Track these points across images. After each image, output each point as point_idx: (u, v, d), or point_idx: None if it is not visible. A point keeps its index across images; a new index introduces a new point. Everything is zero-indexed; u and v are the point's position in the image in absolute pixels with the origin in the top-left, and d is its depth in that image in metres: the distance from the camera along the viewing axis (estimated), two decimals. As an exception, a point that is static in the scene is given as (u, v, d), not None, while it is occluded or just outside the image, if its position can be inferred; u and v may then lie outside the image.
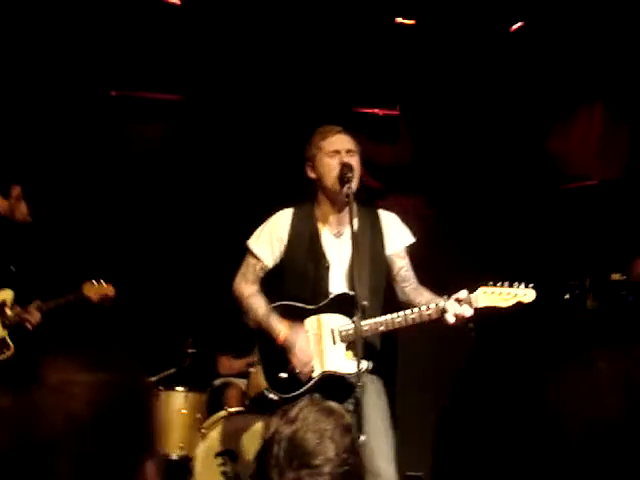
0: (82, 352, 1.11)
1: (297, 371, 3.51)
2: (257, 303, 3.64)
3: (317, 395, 3.33)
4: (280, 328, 3.53)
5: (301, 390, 3.49)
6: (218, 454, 4.56)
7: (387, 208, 5.87)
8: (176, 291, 5.98)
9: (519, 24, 6.08)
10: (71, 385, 1.05)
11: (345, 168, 3.52)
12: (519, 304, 3.50)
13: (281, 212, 3.73)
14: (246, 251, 3.72)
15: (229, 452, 4.54)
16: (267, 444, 1.76)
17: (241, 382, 5.18)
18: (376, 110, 6.66)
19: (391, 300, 3.71)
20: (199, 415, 4.99)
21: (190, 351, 5.31)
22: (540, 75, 6.29)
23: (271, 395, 3.53)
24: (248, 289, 3.68)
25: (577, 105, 6.54)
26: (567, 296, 5.72)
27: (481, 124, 6.47)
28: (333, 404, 1.87)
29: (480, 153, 6.47)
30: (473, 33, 6.11)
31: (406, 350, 5.30)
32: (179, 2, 5.81)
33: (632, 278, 5.23)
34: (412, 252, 3.79)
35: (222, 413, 4.81)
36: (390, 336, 3.72)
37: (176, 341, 5.38)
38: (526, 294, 3.51)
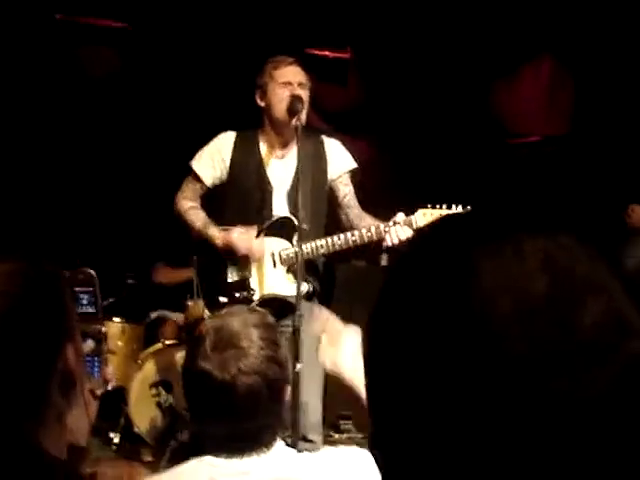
0: None
1: (249, 257, 3.48)
2: (196, 215, 3.65)
3: None
4: (218, 233, 3.55)
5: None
6: (153, 385, 4.55)
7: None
8: (117, 220, 5.89)
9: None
10: None
11: (295, 100, 3.52)
12: None
13: (224, 134, 3.72)
14: (188, 172, 3.72)
15: (164, 383, 4.53)
16: (195, 337, 1.79)
17: (177, 316, 5.15)
18: (327, 52, 6.61)
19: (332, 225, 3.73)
20: (135, 347, 4.97)
21: (129, 282, 5.26)
22: (490, 27, 6.32)
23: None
24: (187, 203, 3.68)
25: (525, 59, 6.60)
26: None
27: (431, 72, 6.47)
28: (259, 308, 1.91)
29: (429, 100, 6.49)
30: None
31: (343, 280, 5.33)
32: None
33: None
34: (357, 194, 3.80)
35: (158, 345, 4.80)
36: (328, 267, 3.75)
37: (115, 272, 5.31)
38: None
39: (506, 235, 0.66)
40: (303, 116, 3.53)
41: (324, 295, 3.79)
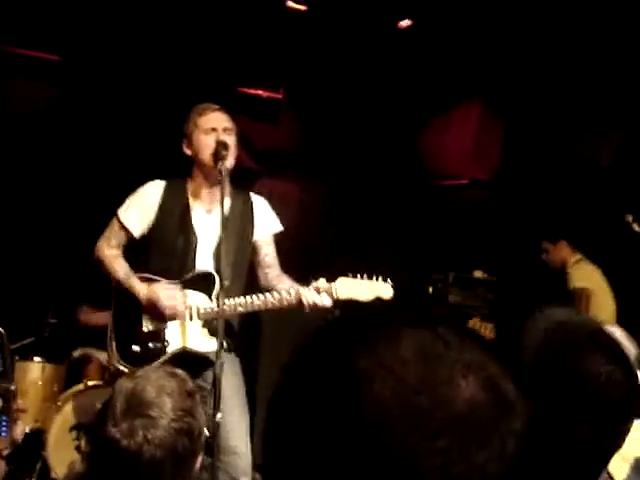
0: None
1: (172, 314, 3.48)
2: (118, 264, 3.62)
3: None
4: (142, 286, 3.53)
5: (153, 364, 3.46)
6: (73, 428, 4.47)
7: (262, 189, 5.90)
8: (40, 259, 5.79)
9: (407, 22, 6.20)
10: None
11: (220, 146, 3.54)
12: (378, 299, 3.57)
13: (152, 183, 3.70)
14: (113, 217, 3.68)
15: (84, 427, 4.45)
16: (108, 399, 1.78)
17: (101, 354, 5.06)
18: (259, 91, 6.65)
19: (252, 284, 3.74)
20: (56, 388, 4.87)
21: (51, 321, 5.16)
22: (422, 71, 6.45)
23: (122, 367, 3.50)
24: (111, 251, 3.65)
25: (454, 101, 6.75)
26: (431, 289, 5.93)
27: (363, 114, 6.57)
28: (179, 371, 1.90)
29: (361, 140, 6.58)
30: (363, 24, 6.19)
31: (270, 331, 5.33)
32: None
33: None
34: (285, 234, 3.84)
35: (79, 386, 4.71)
36: (254, 316, 3.75)
37: (37, 310, 5.21)
38: (385, 289, 3.58)
39: (385, 329, 0.74)
40: (229, 162, 3.55)
41: (246, 346, 3.78)
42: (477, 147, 6.71)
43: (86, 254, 3.84)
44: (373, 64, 6.43)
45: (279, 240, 3.81)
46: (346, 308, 3.88)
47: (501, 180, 6.45)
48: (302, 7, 6.16)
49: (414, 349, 0.71)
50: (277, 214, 3.84)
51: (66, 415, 4.55)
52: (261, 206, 3.79)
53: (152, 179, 3.72)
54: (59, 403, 4.62)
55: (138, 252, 3.70)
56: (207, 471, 3.32)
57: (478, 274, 6.03)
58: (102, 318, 5.14)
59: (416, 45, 6.33)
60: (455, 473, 0.67)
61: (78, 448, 4.42)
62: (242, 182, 3.93)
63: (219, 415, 3.19)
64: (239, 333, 3.69)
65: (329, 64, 6.44)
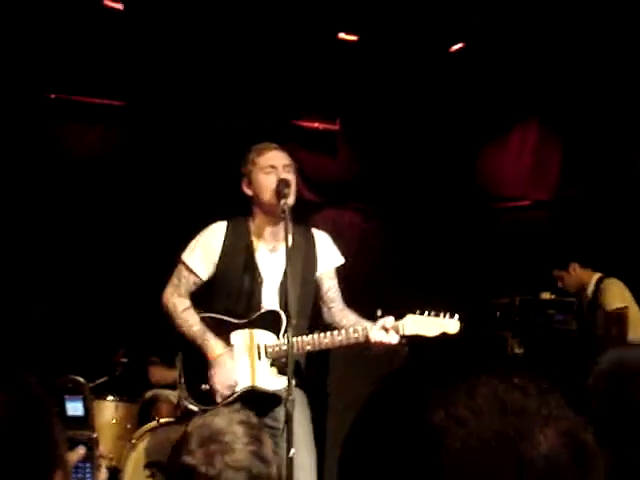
0: None
1: (217, 389, 3.51)
2: (192, 319, 3.60)
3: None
4: (217, 348, 3.52)
5: (221, 404, 3.48)
6: (147, 465, 4.51)
7: (324, 221, 5.93)
8: (110, 300, 5.92)
9: (459, 45, 6.21)
10: None
11: (282, 183, 3.53)
12: (444, 335, 3.55)
13: (215, 225, 3.70)
14: (178, 263, 3.67)
15: (158, 464, 4.48)
16: (181, 436, 1.81)
17: (172, 394, 5.13)
18: (316, 124, 6.71)
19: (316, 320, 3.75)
20: (129, 426, 4.93)
21: (122, 360, 5.25)
22: (477, 94, 6.44)
23: (191, 406, 3.52)
24: (182, 303, 3.63)
25: (512, 122, 6.70)
26: (498, 314, 5.86)
27: (419, 140, 6.57)
28: (243, 410, 1.93)
29: (418, 169, 6.58)
30: (414, 51, 6.22)
31: (340, 365, 5.32)
32: (122, 8, 5.77)
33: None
34: (346, 263, 3.84)
35: (152, 424, 4.75)
36: (323, 353, 3.76)
37: (109, 350, 5.31)
38: (451, 324, 3.57)
39: (459, 379, 0.73)
40: (290, 199, 3.56)
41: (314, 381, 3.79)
42: (536, 167, 6.64)
43: (152, 295, 3.87)
44: (427, 90, 6.45)
45: (340, 269, 3.80)
46: (415, 348, 3.87)
47: (562, 199, 6.36)
48: (353, 37, 6.23)
49: (490, 400, 0.70)
50: (338, 244, 3.84)
51: (140, 452, 4.59)
52: (323, 241, 3.78)
53: (215, 219, 3.75)
54: (133, 441, 4.67)
55: (202, 295, 3.71)
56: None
57: (546, 295, 5.93)
58: (172, 375, 5.26)
59: (469, 68, 6.33)
60: None
61: (154, 485, 4.46)
62: (302, 214, 3.94)
63: (292, 451, 3.20)
64: (306, 370, 3.69)
65: (383, 92, 6.48)
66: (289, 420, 3.18)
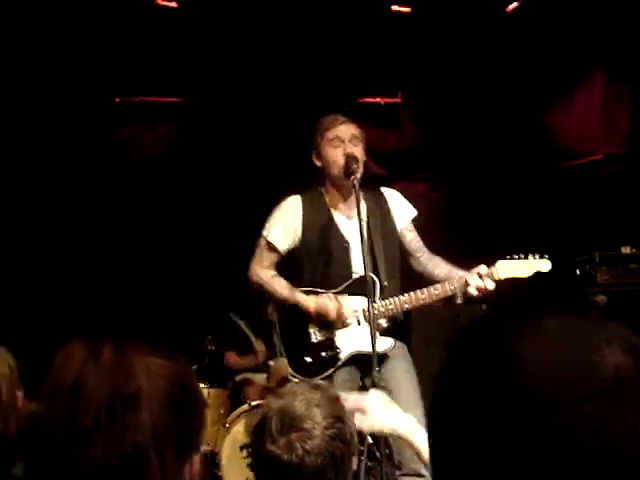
0: (160, 348, 1.27)
1: (341, 323, 3.56)
2: (279, 283, 3.70)
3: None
4: (309, 299, 3.60)
5: (327, 373, 3.57)
6: (242, 447, 4.62)
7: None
8: (192, 291, 6.06)
9: (515, 4, 6.10)
10: (157, 362, 1.22)
11: (350, 160, 3.57)
12: (538, 273, 3.57)
13: (290, 198, 3.78)
14: (259, 240, 3.77)
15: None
16: (260, 419, 1.86)
17: (260, 377, 5.25)
18: (378, 99, 6.70)
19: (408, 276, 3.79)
20: (222, 410, 5.07)
21: (210, 348, 5.39)
22: (539, 51, 6.31)
23: (296, 379, 3.60)
24: (267, 273, 3.73)
25: (578, 77, 6.55)
26: (578, 271, 5.76)
27: (483, 104, 6.49)
28: (321, 382, 1.98)
29: (483, 133, 6.50)
30: (469, 16, 6.14)
31: (420, 331, 5.32)
32: (176, 5, 5.86)
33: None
34: (423, 236, 3.86)
35: (244, 407, 4.87)
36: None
37: (196, 339, 5.46)
38: (543, 264, 3.60)
39: (530, 317, 0.81)
40: (359, 173, 3.59)
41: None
42: (605, 120, 6.47)
43: (229, 284, 3.95)
44: (487, 53, 6.35)
45: (415, 220, 3.85)
46: (495, 303, 3.87)
47: (637, 151, 6.19)
48: (407, 9, 6.19)
49: (559, 329, 0.77)
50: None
51: (235, 435, 4.72)
52: (394, 197, 3.86)
53: (288, 194, 3.81)
54: (227, 425, 4.80)
55: (291, 270, 3.77)
56: (371, 475, 3.38)
57: (626, 250, 5.80)
58: (246, 362, 5.45)
59: (527, 27, 6.21)
60: (608, 435, 0.71)
61: (250, 465, 4.57)
62: (369, 187, 3.97)
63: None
64: (407, 325, 3.75)
65: (442, 61, 6.41)
66: (377, 386, 3.22)
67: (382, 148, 6.39)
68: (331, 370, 3.56)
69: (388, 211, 3.77)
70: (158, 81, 6.30)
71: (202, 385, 5.11)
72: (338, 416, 1.89)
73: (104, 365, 1.18)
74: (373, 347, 3.28)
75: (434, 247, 3.91)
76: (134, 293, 5.90)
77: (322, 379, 3.52)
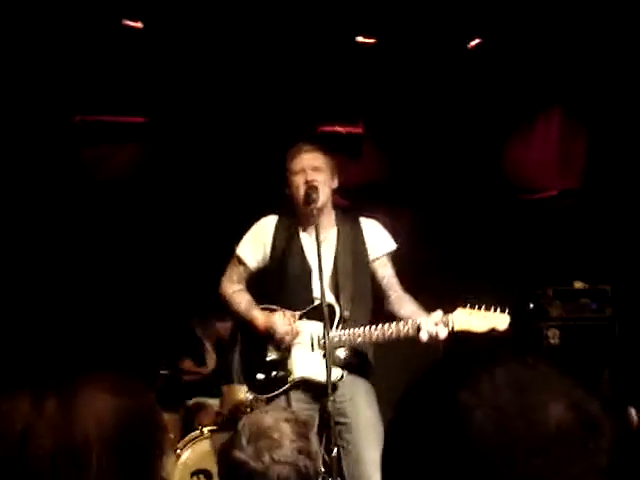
0: (110, 376, 1.24)
1: (286, 340, 3.58)
2: (240, 297, 3.76)
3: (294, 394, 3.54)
4: (259, 315, 3.66)
5: (278, 391, 3.60)
6: (193, 474, 4.58)
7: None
8: (146, 313, 6.01)
9: (477, 41, 6.22)
10: (103, 404, 1.17)
11: (310, 189, 3.61)
12: (493, 331, 3.56)
13: (265, 219, 3.85)
14: (232, 255, 3.84)
15: (203, 471, 4.56)
16: (231, 438, 1.89)
17: (214, 402, 5.20)
18: (339, 128, 6.75)
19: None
20: (173, 435, 5.00)
21: (162, 372, 5.33)
22: (499, 87, 6.43)
23: (250, 395, 3.66)
24: (233, 287, 3.79)
25: (536, 112, 6.68)
26: (531, 305, 5.85)
27: (444, 137, 6.58)
28: (291, 409, 2.01)
29: (444, 165, 6.58)
30: (433, 49, 6.24)
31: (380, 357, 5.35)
32: (141, 26, 5.86)
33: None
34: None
35: (196, 433, 4.82)
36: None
37: (149, 362, 5.40)
38: (501, 320, 3.56)
39: (482, 365, 0.86)
40: (320, 202, 3.62)
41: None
42: (561, 156, 6.61)
43: (185, 309, 3.97)
44: (448, 87, 6.45)
45: (394, 255, 3.83)
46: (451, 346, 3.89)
47: (590, 188, 6.33)
48: (371, 40, 6.26)
49: (506, 379, 0.81)
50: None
51: (185, 462, 4.66)
52: (371, 228, 3.82)
53: (243, 227, 3.86)
54: (178, 451, 4.75)
55: (260, 290, 3.83)
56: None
57: (578, 285, 5.91)
58: (202, 371, 5.42)
59: (488, 63, 6.33)
60: None
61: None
62: (348, 216, 3.98)
63: (334, 452, 3.24)
64: (373, 360, 3.74)
65: (404, 92, 6.49)
66: (331, 420, 3.23)
67: (344, 178, 6.41)
68: (279, 391, 3.58)
69: (362, 240, 3.77)
70: (120, 101, 6.27)
71: (154, 410, 5.05)
72: (305, 434, 1.93)
73: (48, 417, 1.14)
74: (328, 376, 3.29)
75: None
76: (94, 310, 5.82)
77: (271, 398, 3.55)
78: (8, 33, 5.54)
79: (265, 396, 3.59)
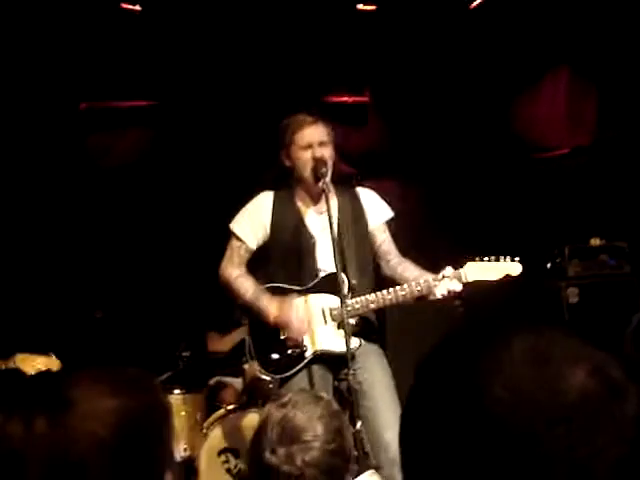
0: (106, 376, 1.17)
1: (296, 341, 3.54)
2: (245, 284, 3.67)
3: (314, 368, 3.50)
4: (271, 308, 3.57)
5: (294, 370, 3.55)
6: (220, 452, 4.60)
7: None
8: (163, 298, 6.02)
9: (478, 0, 6.13)
10: (98, 411, 1.11)
11: (319, 164, 3.56)
12: (507, 277, 3.56)
13: (261, 195, 3.77)
14: (230, 236, 3.74)
15: (231, 449, 4.58)
16: (260, 428, 1.85)
17: (235, 380, 5.22)
18: (345, 97, 6.70)
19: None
20: (198, 415, 5.03)
21: (184, 354, 5.35)
22: (503, 48, 6.35)
23: (264, 376, 3.59)
24: (235, 272, 3.69)
25: (543, 72, 6.60)
26: (549, 265, 5.80)
27: (450, 101, 6.52)
28: (324, 394, 1.97)
29: (452, 130, 6.52)
30: (434, 12, 6.16)
31: (394, 328, 5.33)
32: (138, 8, 5.82)
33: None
34: (396, 232, 3.86)
35: (221, 411, 4.85)
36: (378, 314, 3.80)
37: (170, 345, 5.42)
38: (513, 267, 3.58)
39: (501, 337, 0.82)
40: (329, 176, 3.59)
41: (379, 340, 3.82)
42: (571, 114, 6.53)
43: (204, 284, 3.94)
44: (452, 50, 6.38)
45: (391, 223, 3.81)
46: (469, 299, 3.87)
47: (603, 144, 6.25)
48: (372, 7, 6.20)
49: (523, 351, 0.78)
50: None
51: (213, 440, 4.68)
52: (369, 197, 3.81)
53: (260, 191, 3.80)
54: (204, 430, 4.78)
55: (259, 266, 3.75)
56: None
57: (595, 242, 5.85)
58: (229, 342, 5.38)
59: (491, 22, 6.24)
60: (578, 457, 0.72)
61: (229, 470, 4.56)
62: (344, 187, 3.95)
63: (358, 425, 3.23)
64: (378, 325, 3.73)
65: (408, 58, 6.43)
66: (352, 394, 3.22)
67: (350, 147, 6.38)
68: (297, 367, 3.55)
69: (361, 210, 3.75)
70: (126, 85, 6.24)
71: (177, 392, 5.08)
72: (339, 430, 1.88)
73: (39, 438, 1.08)
74: (347, 347, 3.28)
75: (407, 245, 3.90)
76: (108, 303, 5.83)
77: (290, 376, 3.52)
78: (10, 23, 5.51)
79: (281, 376, 3.54)
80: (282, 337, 3.62)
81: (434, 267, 3.65)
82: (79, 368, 1.23)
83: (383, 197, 3.93)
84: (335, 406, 1.96)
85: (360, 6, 6.14)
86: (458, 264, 3.55)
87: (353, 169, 6.37)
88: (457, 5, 6.15)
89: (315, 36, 6.14)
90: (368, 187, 3.95)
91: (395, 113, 6.63)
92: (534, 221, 6.22)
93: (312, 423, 1.84)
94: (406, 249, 3.87)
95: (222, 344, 5.53)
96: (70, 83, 6.08)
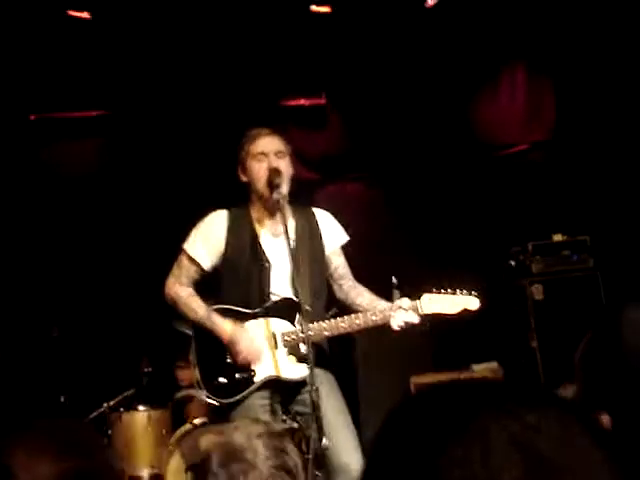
0: (48, 439, 1.09)
1: (243, 365, 3.44)
2: (196, 303, 3.53)
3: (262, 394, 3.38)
4: (226, 325, 3.45)
5: (242, 394, 3.42)
6: (187, 469, 4.52)
7: (327, 197, 5.86)
8: (123, 313, 5.89)
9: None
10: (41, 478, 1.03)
11: (273, 174, 3.46)
12: (465, 311, 3.51)
13: (215, 213, 3.63)
14: (179, 253, 3.60)
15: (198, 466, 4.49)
16: (200, 459, 1.78)
17: (202, 393, 5.12)
18: (302, 100, 6.63)
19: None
20: (164, 431, 4.94)
21: (147, 370, 5.23)
22: (460, 45, 6.34)
23: (210, 401, 3.47)
24: (184, 290, 3.56)
25: (500, 69, 6.61)
26: (512, 262, 5.80)
27: (408, 100, 6.49)
28: (264, 417, 1.89)
29: (412, 129, 6.50)
30: (390, 12, 6.12)
31: (365, 344, 5.28)
32: (87, 16, 5.69)
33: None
34: (360, 233, 3.79)
35: (187, 426, 4.77)
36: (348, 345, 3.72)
37: (132, 362, 5.31)
38: (471, 301, 3.52)
39: (472, 418, 0.71)
40: (284, 188, 3.50)
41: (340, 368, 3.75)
42: (529, 110, 6.55)
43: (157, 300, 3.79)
44: (409, 49, 6.36)
45: (345, 247, 3.74)
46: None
47: (562, 139, 6.27)
48: (326, 9, 6.13)
49: (503, 441, 0.69)
50: (345, 218, 3.79)
51: (179, 458, 4.61)
52: (326, 220, 3.72)
53: (214, 209, 3.68)
54: (170, 447, 4.69)
55: (210, 287, 3.63)
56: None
57: (557, 237, 5.87)
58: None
59: (447, 21, 6.22)
60: None
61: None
62: (304, 193, 3.89)
63: (324, 440, 3.14)
64: (329, 352, 3.64)
65: (364, 59, 6.38)
66: (316, 409, 3.12)
67: (311, 151, 6.32)
68: (245, 392, 3.43)
69: (318, 232, 3.65)
70: (76, 95, 6.10)
71: (142, 408, 4.97)
72: (281, 448, 1.81)
73: None
74: (311, 370, 3.17)
75: (373, 246, 3.85)
76: (64, 320, 5.67)
77: (236, 402, 3.41)
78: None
79: (228, 401, 3.40)
80: (229, 360, 3.48)
81: (397, 271, 3.58)
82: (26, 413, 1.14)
83: (345, 199, 3.86)
84: (277, 427, 1.89)
85: (314, 7, 6.08)
86: (413, 294, 3.47)
87: (314, 174, 6.31)
88: (412, 4, 6.12)
89: (269, 39, 6.06)
90: (332, 193, 3.88)
91: (354, 114, 6.59)
92: (495, 219, 6.22)
93: (251, 442, 1.77)
94: (369, 252, 3.82)
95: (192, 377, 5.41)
96: (18, 94, 5.92)
